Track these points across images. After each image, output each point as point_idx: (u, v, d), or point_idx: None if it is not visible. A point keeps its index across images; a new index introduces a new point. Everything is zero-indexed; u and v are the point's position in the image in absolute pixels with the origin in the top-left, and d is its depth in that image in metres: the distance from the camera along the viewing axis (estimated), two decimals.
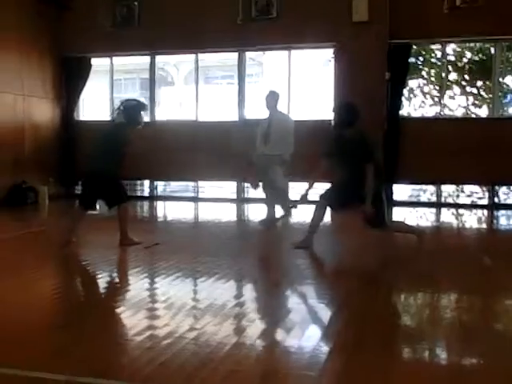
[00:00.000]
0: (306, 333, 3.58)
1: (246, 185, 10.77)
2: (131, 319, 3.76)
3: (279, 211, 7.94)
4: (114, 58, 11.99)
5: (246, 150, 8.00)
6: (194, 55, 11.51)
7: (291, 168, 7.85)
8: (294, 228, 7.85)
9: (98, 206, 6.65)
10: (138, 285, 4.77)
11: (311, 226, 6.18)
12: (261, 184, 7.98)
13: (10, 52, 10.51)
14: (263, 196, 8.09)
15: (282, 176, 7.82)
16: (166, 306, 4.08)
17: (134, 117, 6.21)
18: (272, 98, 7.93)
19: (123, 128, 6.18)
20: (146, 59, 11.83)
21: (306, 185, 6.18)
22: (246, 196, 11.11)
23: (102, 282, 4.99)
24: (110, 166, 6.09)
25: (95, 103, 13.18)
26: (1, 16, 10.20)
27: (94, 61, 11.95)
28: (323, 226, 6.40)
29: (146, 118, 6.42)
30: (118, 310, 4.03)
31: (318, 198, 6.15)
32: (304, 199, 6.16)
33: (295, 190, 8.59)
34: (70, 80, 11.81)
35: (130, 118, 6.17)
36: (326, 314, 4.04)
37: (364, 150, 5.78)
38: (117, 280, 4.99)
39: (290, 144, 7.73)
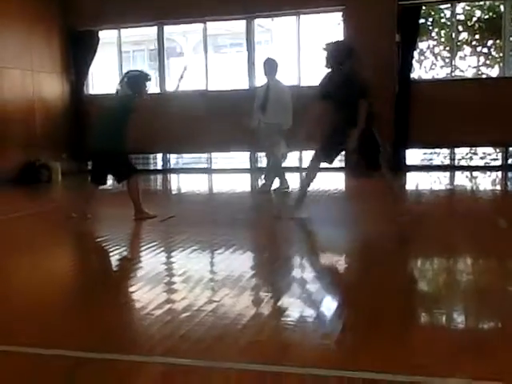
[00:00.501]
0: (323, 303, 3.63)
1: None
2: (149, 294, 3.81)
3: (275, 181, 8.00)
4: (121, 30, 11.92)
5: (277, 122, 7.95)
6: (202, 24, 11.40)
7: (293, 136, 7.88)
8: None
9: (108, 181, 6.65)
10: (154, 259, 4.82)
11: (302, 187, 6.14)
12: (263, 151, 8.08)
13: (16, 27, 10.49)
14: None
15: (280, 146, 7.86)
16: (183, 279, 4.13)
17: (138, 88, 6.12)
18: (270, 66, 7.91)
19: (128, 100, 6.10)
20: (154, 30, 11.74)
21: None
22: (258, 165, 11.12)
23: (118, 257, 5.05)
24: (116, 140, 6.05)
25: (104, 76, 13.15)
26: None
27: (102, 33, 11.89)
28: (331, 193, 6.37)
29: (150, 88, 6.31)
30: (135, 285, 4.08)
31: (310, 159, 6.07)
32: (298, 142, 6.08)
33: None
34: (78, 54, 11.79)
35: (133, 89, 6.09)
36: (342, 283, 4.08)
37: (357, 86, 5.68)
38: (133, 255, 5.05)
39: (288, 114, 7.75)
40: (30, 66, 10.86)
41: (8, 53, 10.30)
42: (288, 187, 8.05)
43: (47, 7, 11.18)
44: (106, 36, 12.09)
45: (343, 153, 6.08)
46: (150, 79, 6.28)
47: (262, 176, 8.20)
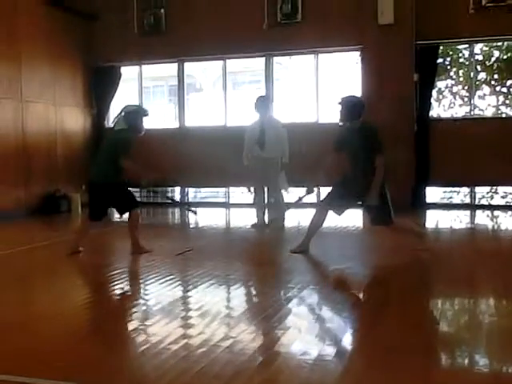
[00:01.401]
0: (341, 341, 3.57)
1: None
2: (165, 328, 3.79)
3: (272, 215, 8.09)
4: (142, 66, 12.15)
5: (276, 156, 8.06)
6: (221, 61, 11.58)
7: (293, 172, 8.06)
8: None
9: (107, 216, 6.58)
10: (171, 292, 4.80)
11: (309, 230, 6.16)
12: (254, 187, 8.14)
13: (41, 63, 10.73)
14: (253, 198, 8.36)
15: (286, 183, 7.99)
16: (199, 313, 4.10)
17: (135, 123, 6.12)
18: (263, 103, 8.07)
19: (124, 134, 6.08)
20: (174, 66, 11.94)
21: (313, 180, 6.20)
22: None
23: (135, 290, 5.04)
24: (114, 173, 6.01)
25: None
26: (32, 29, 10.44)
27: (124, 69, 12.12)
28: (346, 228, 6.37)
29: (146, 123, 6.27)
30: (152, 319, 4.06)
31: (318, 203, 6.14)
32: (309, 191, 6.16)
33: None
34: (100, 89, 12.00)
35: (130, 123, 6.09)
36: (364, 320, 4.02)
37: (373, 141, 5.74)
38: (150, 288, 5.03)
39: (285, 148, 7.96)
40: (53, 100, 11.08)
41: (33, 87, 10.52)
42: (283, 222, 8.13)
43: (72, 44, 11.45)
44: (128, 71, 12.31)
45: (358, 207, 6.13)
46: (147, 115, 6.26)
47: (265, 212, 8.26)
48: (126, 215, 6.35)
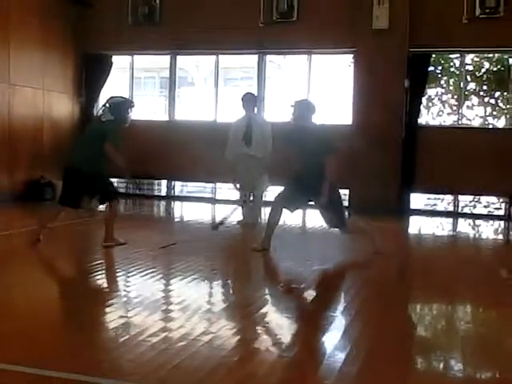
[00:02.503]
0: (323, 340, 3.60)
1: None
2: (146, 320, 3.78)
3: (249, 214, 8.10)
4: (134, 57, 12.08)
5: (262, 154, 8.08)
6: (214, 56, 11.56)
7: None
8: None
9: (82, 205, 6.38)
10: (153, 285, 4.80)
11: (267, 228, 6.21)
12: (238, 184, 8.14)
13: (31, 48, 10.63)
14: (239, 195, 8.32)
15: (267, 181, 8.03)
16: (181, 307, 4.10)
17: (122, 114, 6.07)
18: (249, 100, 8.09)
19: (112, 125, 6.01)
20: (167, 58, 11.90)
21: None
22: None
23: (116, 281, 5.03)
24: (97, 163, 5.93)
25: None
26: (23, 13, 10.33)
27: (115, 58, 12.04)
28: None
29: (132, 115, 6.21)
30: (132, 311, 4.06)
31: (273, 200, 6.20)
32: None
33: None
34: (90, 77, 11.90)
35: (116, 115, 6.03)
36: (341, 322, 4.04)
37: (325, 144, 5.88)
38: (131, 280, 5.02)
39: (270, 147, 7.93)
40: (42, 86, 10.98)
41: (21, 72, 10.41)
42: (257, 221, 8.17)
43: (64, 29, 11.34)
44: (120, 61, 12.24)
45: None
46: (133, 106, 6.22)
47: (243, 208, 8.26)
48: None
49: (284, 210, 6.15)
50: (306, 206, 6.32)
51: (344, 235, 6.31)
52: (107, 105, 6.12)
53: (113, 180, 6.39)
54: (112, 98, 6.24)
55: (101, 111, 6.24)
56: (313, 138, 5.90)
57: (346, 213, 6.07)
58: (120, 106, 6.09)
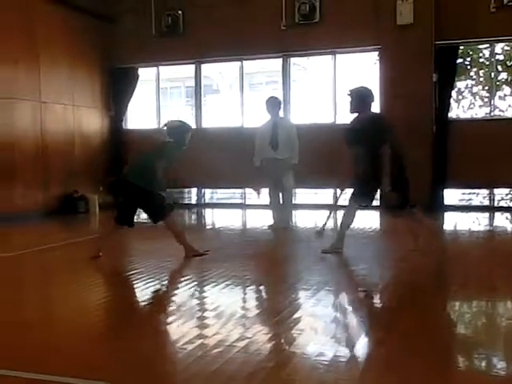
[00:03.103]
0: (358, 344, 3.53)
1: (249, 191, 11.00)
2: (181, 328, 3.78)
3: (280, 218, 8.05)
4: (160, 68, 12.20)
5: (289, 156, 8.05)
6: (238, 62, 11.59)
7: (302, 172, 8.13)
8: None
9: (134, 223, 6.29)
10: (187, 293, 4.80)
11: (341, 229, 6.16)
12: (267, 189, 8.10)
13: (59, 65, 10.84)
14: (269, 200, 8.30)
15: (294, 183, 8.04)
16: (215, 314, 4.09)
17: (182, 139, 6.14)
18: (273, 104, 8.07)
19: (171, 145, 6.09)
20: (192, 68, 11.97)
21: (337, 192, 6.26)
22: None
23: (152, 290, 5.04)
24: (151, 181, 5.93)
25: (142, 112, 13.43)
26: (50, 31, 10.53)
27: (141, 70, 12.18)
28: (366, 230, 6.33)
29: (190, 139, 6.26)
30: (168, 319, 4.06)
31: (347, 201, 6.14)
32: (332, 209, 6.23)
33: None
34: (118, 90, 12.08)
35: (177, 138, 6.10)
36: (378, 324, 3.97)
37: (377, 132, 5.74)
38: (166, 288, 5.03)
39: (296, 149, 7.93)
40: (71, 102, 11.16)
41: (51, 89, 10.62)
42: (289, 224, 8.16)
43: (90, 45, 11.53)
44: (146, 73, 12.38)
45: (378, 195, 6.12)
46: (189, 131, 6.27)
47: (273, 213, 8.23)
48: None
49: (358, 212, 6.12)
50: (375, 196, 6.19)
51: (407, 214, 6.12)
52: (165, 128, 6.22)
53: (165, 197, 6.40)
54: (170, 121, 6.36)
55: (163, 132, 6.29)
56: (369, 128, 5.78)
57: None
58: (180, 130, 6.16)
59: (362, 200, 6.05)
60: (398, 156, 5.85)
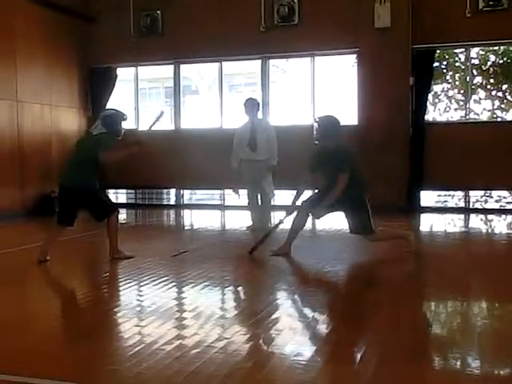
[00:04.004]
0: (335, 343, 3.57)
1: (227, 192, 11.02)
2: (160, 329, 3.78)
3: (259, 219, 8.08)
4: (138, 68, 12.15)
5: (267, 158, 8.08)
6: (217, 63, 11.59)
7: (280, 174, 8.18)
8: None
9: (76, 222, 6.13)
10: (165, 294, 4.80)
11: (291, 233, 6.21)
12: (246, 190, 8.13)
13: (37, 64, 10.73)
14: (247, 201, 8.31)
15: (272, 185, 8.06)
16: (194, 315, 4.10)
17: (114, 127, 5.95)
18: (252, 105, 8.10)
19: (103, 138, 5.86)
20: (171, 68, 11.94)
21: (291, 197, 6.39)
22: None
23: (130, 291, 5.03)
24: (90, 179, 5.89)
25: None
26: (28, 29, 10.43)
27: (120, 70, 12.12)
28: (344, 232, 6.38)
29: (124, 128, 6.07)
30: (146, 320, 4.06)
31: (300, 204, 6.20)
32: (289, 212, 6.25)
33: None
34: (96, 90, 11.99)
35: (108, 127, 5.91)
36: (356, 324, 4.02)
37: (338, 161, 5.88)
38: (144, 289, 5.02)
39: (276, 150, 7.96)
40: (49, 101, 11.07)
41: (28, 88, 10.51)
42: (268, 225, 8.14)
43: (68, 45, 11.44)
44: (124, 73, 12.31)
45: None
46: (125, 119, 6.11)
47: (252, 214, 8.26)
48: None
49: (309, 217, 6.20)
50: (330, 212, 6.23)
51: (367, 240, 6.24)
52: (99, 119, 6.04)
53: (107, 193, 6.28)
54: (104, 110, 6.21)
55: (93, 126, 6.12)
56: (333, 157, 5.91)
57: (372, 221, 6.01)
58: (112, 118, 5.98)
59: (314, 209, 6.08)
60: (360, 183, 6.00)
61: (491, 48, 11.09)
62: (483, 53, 11.22)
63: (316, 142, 6.28)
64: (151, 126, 6.17)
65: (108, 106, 12.08)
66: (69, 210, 5.97)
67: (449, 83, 11.59)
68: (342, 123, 6.15)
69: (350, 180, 5.85)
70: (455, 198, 11.15)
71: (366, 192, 6.08)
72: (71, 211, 5.97)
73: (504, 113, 11.31)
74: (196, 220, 10.97)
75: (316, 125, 6.13)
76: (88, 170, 5.86)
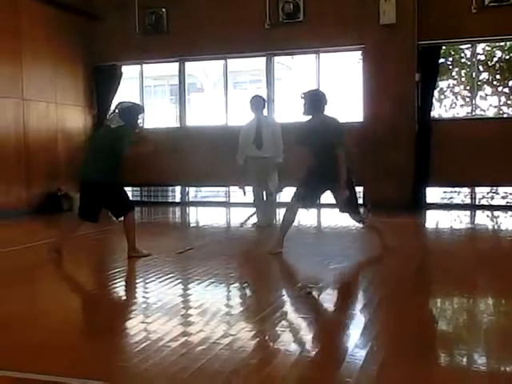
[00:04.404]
0: (343, 338, 3.57)
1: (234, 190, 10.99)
2: (165, 325, 3.79)
3: (264, 216, 8.06)
4: (143, 65, 12.16)
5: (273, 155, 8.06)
6: (222, 61, 11.59)
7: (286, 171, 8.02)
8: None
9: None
10: (171, 291, 4.80)
11: (282, 229, 6.18)
12: (251, 187, 8.11)
13: (42, 62, 10.75)
14: (252, 198, 8.26)
15: (277, 182, 8.02)
16: (199, 312, 4.10)
17: (131, 119, 5.89)
18: (258, 102, 8.08)
19: (122, 131, 5.83)
20: (175, 66, 11.95)
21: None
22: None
23: (135, 288, 5.04)
24: (111, 173, 5.82)
25: None
26: (33, 28, 10.46)
27: (125, 68, 12.13)
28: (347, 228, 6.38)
29: (142, 120, 6.12)
30: (151, 316, 4.06)
31: (290, 200, 6.14)
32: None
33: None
34: (101, 88, 12.01)
35: (126, 120, 5.86)
36: (361, 320, 4.01)
37: (332, 136, 5.78)
38: (150, 286, 5.03)
39: (281, 147, 7.94)
40: (54, 99, 11.09)
41: (34, 86, 10.54)
42: (273, 222, 8.15)
43: (73, 43, 11.46)
44: (129, 71, 12.33)
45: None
46: (142, 111, 6.10)
47: (255, 210, 8.25)
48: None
49: (300, 210, 6.13)
50: (320, 196, 6.22)
51: (358, 223, 6.22)
52: (116, 111, 5.99)
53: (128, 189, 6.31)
54: (121, 103, 6.11)
55: (110, 117, 6.12)
56: (323, 130, 5.82)
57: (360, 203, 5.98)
58: (129, 111, 5.95)
59: (303, 202, 6.04)
60: (347, 161, 5.87)
61: (497, 44, 11.03)
62: (489, 49, 11.16)
63: (305, 117, 6.14)
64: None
65: (113, 104, 12.12)
66: (91, 205, 5.89)
67: (455, 79, 11.53)
68: (327, 97, 6.05)
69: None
70: (461, 195, 11.11)
71: (352, 172, 5.94)
72: (94, 207, 5.91)
73: (510, 109, 11.26)
74: (201, 217, 10.98)
75: (302, 99, 6.02)
76: (108, 164, 5.78)
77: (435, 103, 10.73)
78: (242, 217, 8.39)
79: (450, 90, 11.43)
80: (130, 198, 6.23)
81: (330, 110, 6.09)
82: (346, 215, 6.09)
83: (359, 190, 9.30)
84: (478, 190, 10.84)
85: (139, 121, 6.04)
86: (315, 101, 5.98)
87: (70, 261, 6.19)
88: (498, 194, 10.93)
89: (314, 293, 4.50)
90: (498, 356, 3.25)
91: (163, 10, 11.43)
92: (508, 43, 11.02)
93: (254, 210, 8.24)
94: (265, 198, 8.27)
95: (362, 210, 6.03)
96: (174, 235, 8.24)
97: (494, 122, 10.56)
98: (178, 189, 12.67)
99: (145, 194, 12.68)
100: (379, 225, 6.45)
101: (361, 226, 6.33)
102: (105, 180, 5.80)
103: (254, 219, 8.29)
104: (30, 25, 10.38)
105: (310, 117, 6.06)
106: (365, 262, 6.13)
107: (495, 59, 11.22)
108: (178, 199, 12.65)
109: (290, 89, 13.77)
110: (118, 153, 5.76)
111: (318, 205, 6.14)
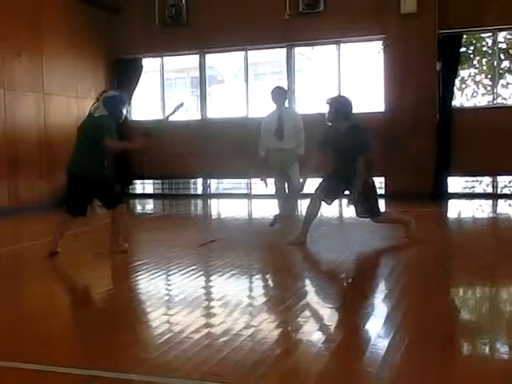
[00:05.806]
0: (363, 330, 3.59)
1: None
2: (188, 317, 3.83)
3: (285, 209, 8.02)
4: (164, 58, 12.21)
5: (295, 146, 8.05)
6: (243, 52, 11.59)
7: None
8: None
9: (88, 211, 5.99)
10: (193, 283, 4.85)
11: (305, 222, 6.18)
12: (273, 178, 8.09)
13: (63, 56, 10.83)
14: (274, 190, 8.23)
15: (299, 174, 7.97)
16: (222, 303, 4.14)
17: (116, 110, 5.69)
18: (279, 94, 8.03)
19: (101, 121, 5.64)
20: (196, 58, 11.98)
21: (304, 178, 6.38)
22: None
23: (158, 280, 5.10)
24: (97, 164, 5.67)
25: (147, 103, 13.44)
26: (54, 22, 10.54)
27: (146, 61, 12.19)
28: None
29: (126, 111, 5.88)
30: (174, 309, 4.11)
31: (312, 192, 6.16)
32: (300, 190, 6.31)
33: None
34: (122, 81, 12.08)
35: (111, 110, 5.66)
36: (383, 310, 4.02)
37: (356, 144, 5.77)
38: (172, 278, 5.09)
39: (302, 138, 7.88)
40: (75, 93, 11.18)
41: (54, 80, 10.63)
42: (295, 213, 8.14)
43: (94, 36, 11.53)
44: (150, 64, 12.39)
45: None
46: (126, 102, 5.92)
47: (279, 202, 8.24)
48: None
49: (322, 203, 6.15)
50: (342, 196, 6.28)
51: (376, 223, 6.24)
52: (99, 101, 5.79)
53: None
54: (105, 91, 5.97)
55: (94, 106, 5.86)
56: (346, 138, 5.82)
57: (380, 203, 5.98)
58: (113, 100, 5.73)
59: (326, 196, 6.05)
60: (370, 167, 5.91)
61: None
62: (510, 37, 11.02)
63: (329, 124, 6.13)
64: (169, 116, 6.07)
65: (134, 97, 12.20)
66: (78, 198, 5.75)
67: (476, 68, 11.41)
68: (353, 104, 6.02)
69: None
70: (483, 184, 11.02)
71: (370, 177, 5.99)
72: (81, 200, 5.76)
73: None
74: (223, 209, 11.03)
75: (327, 105, 6.01)
76: (93, 154, 5.63)
77: (456, 92, 10.64)
78: (271, 216, 8.42)
79: (472, 79, 11.32)
80: (119, 193, 6.01)
81: (353, 115, 6.06)
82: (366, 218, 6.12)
83: (380, 180, 9.31)
84: (499, 179, 10.74)
85: (123, 112, 5.83)
86: (340, 108, 5.96)
87: (87, 254, 6.22)
88: None
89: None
90: None
91: (183, 2, 11.46)
92: None
93: (279, 210, 8.23)
94: (286, 190, 8.27)
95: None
96: (196, 227, 8.30)
97: None
98: (199, 181, 12.74)
99: (166, 187, 12.78)
100: (405, 216, 6.43)
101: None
102: (92, 171, 5.66)
103: (276, 210, 8.30)
104: (51, 18, 10.46)
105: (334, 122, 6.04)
106: (387, 252, 6.12)
107: None
108: (199, 191, 12.72)
109: (311, 80, 13.72)
110: (98, 144, 5.56)
111: (340, 199, 6.13)
